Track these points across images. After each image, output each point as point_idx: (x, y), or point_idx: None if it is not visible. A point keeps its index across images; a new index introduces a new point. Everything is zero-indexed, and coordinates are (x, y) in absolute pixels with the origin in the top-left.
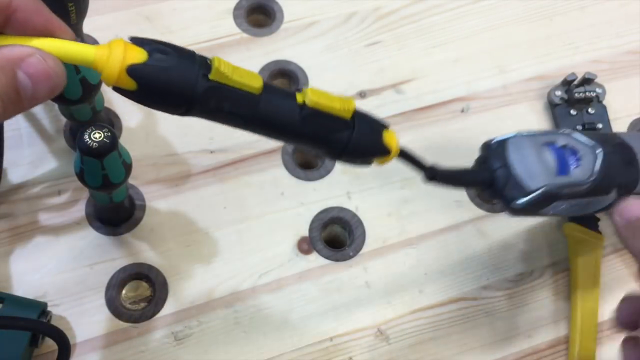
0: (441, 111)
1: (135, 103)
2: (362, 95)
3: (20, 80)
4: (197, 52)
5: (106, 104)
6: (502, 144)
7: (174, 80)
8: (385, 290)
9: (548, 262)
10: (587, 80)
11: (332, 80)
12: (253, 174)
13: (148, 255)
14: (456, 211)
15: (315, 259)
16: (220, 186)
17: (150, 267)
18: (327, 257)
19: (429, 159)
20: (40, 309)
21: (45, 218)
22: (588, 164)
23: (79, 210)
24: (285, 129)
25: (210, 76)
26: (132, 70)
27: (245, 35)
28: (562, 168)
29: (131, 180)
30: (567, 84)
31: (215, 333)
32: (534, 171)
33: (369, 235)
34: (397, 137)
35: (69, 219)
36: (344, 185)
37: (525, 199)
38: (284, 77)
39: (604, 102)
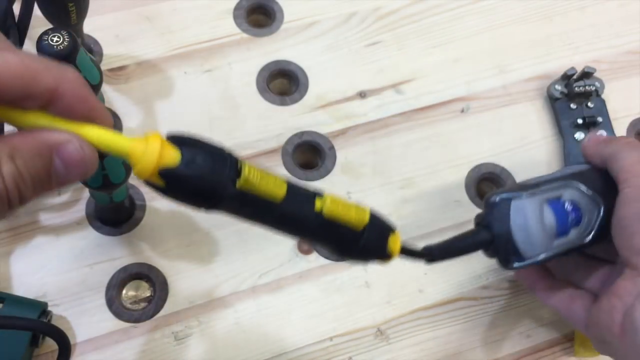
0: (441, 111)
1: (136, 105)
2: (362, 95)
3: (55, 165)
4: (198, 50)
5: (106, 105)
6: (506, 204)
7: (202, 187)
8: (385, 290)
9: None
10: (586, 74)
11: (332, 80)
12: None
13: (148, 255)
14: (456, 211)
15: (315, 259)
16: None
17: (151, 267)
18: (327, 257)
19: (429, 158)
20: (40, 308)
21: (45, 218)
22: (589, 221)
23: (80, 210)
24: (299, 232)
25: (238, 184)
26: (164, 172)
27: (245, 35)
28: (562, 229)
29: (131, 180)
30: (567, 78)
31: (215, 333)
32: (534, 238)
33: None
34: (400, 238)
35: (69, 219)
36: (344, 185)
37: (522, 263)
38: (284, 77)
39: (603, 96)
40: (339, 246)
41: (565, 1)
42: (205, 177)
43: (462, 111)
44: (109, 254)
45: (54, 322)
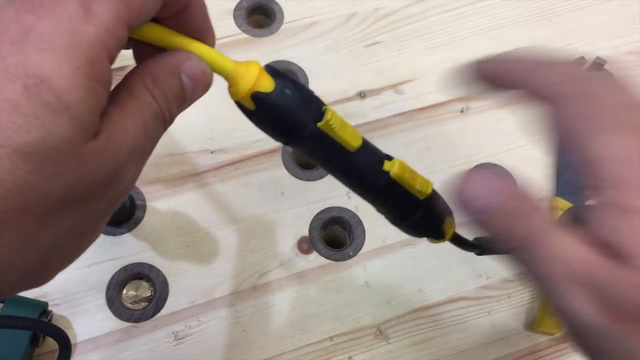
0: (441, 111)
1: None
2: (362, 95)
3: (184, 82)
4: None
5: None
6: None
7: (287, 118)
8: (385, 290)
9: None
10: (596, 66)
11: (332, 81)
12: (253, 174)
13: (149, 254)
14: (457, 211)
15: (315, 259)
16: (220, 186)
17: (151, 267)
18: (327, 257)
19: (429, 159)
20: (41, 308)
21: None
22: None
23: None
24: (362, 187)
25: (319, 125)
26: (257, 97)
27: (245, 35)
28: None
29: None
30: None
31: (215, 333)
32: None
33: (368, 235)
34: (454, 225)
35: None
36: (343, 185)
37: None
38: None
39: None
40: (397, 210)
41: (565, 1)
42: (292, 109)
43: (462, 111)
44: (109, 254)
45: (55, 321)
